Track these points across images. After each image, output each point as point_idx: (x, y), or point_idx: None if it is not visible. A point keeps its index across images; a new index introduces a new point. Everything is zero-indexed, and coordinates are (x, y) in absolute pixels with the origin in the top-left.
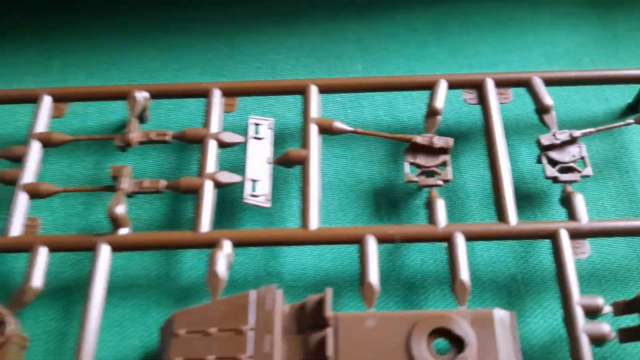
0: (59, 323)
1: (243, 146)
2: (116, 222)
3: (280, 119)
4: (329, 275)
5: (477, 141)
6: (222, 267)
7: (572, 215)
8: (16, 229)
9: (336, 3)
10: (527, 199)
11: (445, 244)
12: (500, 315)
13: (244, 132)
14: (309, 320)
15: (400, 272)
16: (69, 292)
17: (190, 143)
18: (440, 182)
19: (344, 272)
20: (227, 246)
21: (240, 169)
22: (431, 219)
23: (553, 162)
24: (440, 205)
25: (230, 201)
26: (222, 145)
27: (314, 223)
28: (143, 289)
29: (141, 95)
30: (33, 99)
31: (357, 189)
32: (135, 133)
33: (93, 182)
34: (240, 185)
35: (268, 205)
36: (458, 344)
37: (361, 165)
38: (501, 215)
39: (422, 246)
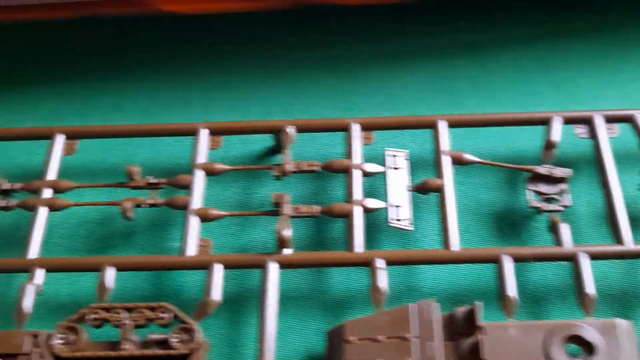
0: (227, 330)
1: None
2: (283, 243)
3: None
4: (462, 290)
5: (586, 168)
6: (383, 282)
7: None
8: (191, 249)
9: (448, 43)
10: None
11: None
12: (622, 324)
13: (375, 161)
14: (459, 328)
15: (525, 286)
16: (233, 304)
17: (336, 173)
18: (561, 208)
19: (475, 287)
20: (380, 264)
21: (370, 194)
22: (558, 241)
23: None
24: (565, 229)
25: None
26: (365, 174)
27: (454, 244)
28: (298, 301)
29: (292, 130)
30: (192, 132)
31: (480, 212)
32: (290, 164)
33: (243, 207)
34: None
35: (411, 228)
36: (588, 349)
37: (482, 191)
38: (617, 238)
39: (544, 264)
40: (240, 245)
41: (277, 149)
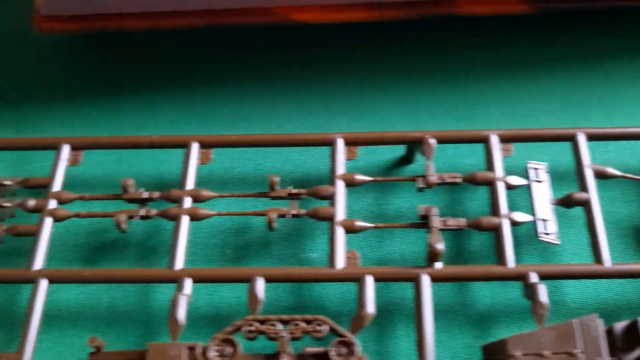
0: (376, 344)
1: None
2: (435, 257)
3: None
4: (606, 304)
5: None
6: (544, 297)
7: None
8: (340, 261)
9: (572, 53)
10: None
11: None
12: None
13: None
14: (619, 344)
15: None
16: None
17: (479, 185)
18: None
19: (619, 301)
20: (534, 279)
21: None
22: None
23: None
24: None
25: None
26: (508, 187)
27: (606, 259)
28: (444, 315)
29: (434, 141)
30: (328, 143)
31: (619, 227)
32: (434, 176)
33: (376, 219)
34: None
35: (558, 242)
36: None
37: (619, 205)
38: None
39: None
40: (378, 258)
41: (407, 159)
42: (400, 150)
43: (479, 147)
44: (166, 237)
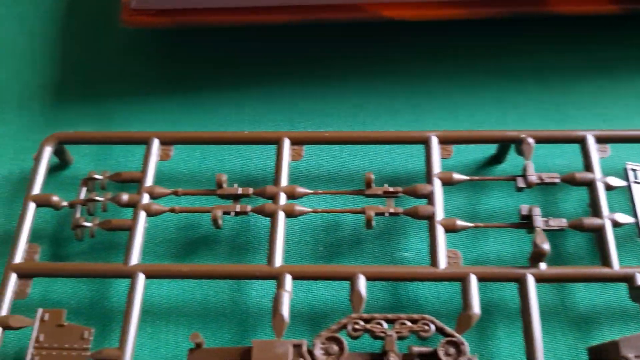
0: (474, 344)
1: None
2: (541, 257)
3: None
4: None
5: None
6: None
7: None
8: (442, 261)
9: None
10: None
11: None
12: None
13: None
14: None
15: None
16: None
17: (577, 186)
18: None
19: None
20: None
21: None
22: None
23: None
24: None
25: None
26: (608, 188)
27: None
28: (541, 316)
29: (532, 141)
30: (422, 141)
31: None
32: (533, 175)
33: (469, 219)
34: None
35: None
36: None
37: None
38: None
39: None
40: (474, 258)
41: (498, 159)
42: (489, 149)
43: (570, 148)
44: (256, 234)
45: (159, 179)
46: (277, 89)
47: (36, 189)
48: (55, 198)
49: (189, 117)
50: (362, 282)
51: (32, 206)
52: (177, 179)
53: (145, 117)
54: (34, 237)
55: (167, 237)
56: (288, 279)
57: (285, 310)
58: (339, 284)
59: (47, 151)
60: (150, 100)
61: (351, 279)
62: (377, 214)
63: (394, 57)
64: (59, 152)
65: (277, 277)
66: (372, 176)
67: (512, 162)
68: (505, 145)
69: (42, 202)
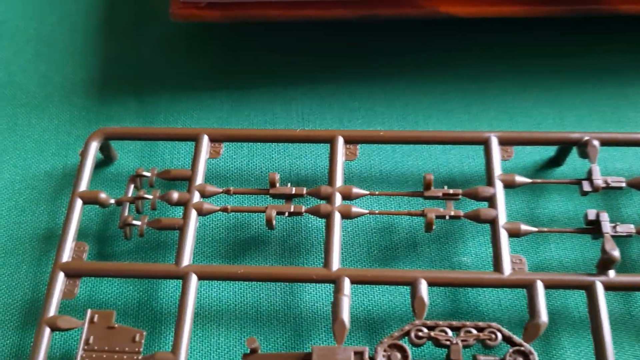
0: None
1: None
2: (611, 264)
3: None
4: None
5: None
6: None
7: None
8: (507, 266)
9: None
10: None
11: None
12: None
13: None
14: None
15: None
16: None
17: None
18: None
19: None
20: None
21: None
22: None
23: None
24: None
25: None
26: None
27: None
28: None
29: (597, 143)
30: (482, 142)
31: None
32: (599, 179)
33: (528, 223)
34: None
35: None
36: None
37: None
38: None
39: None
40: (535, 264)
41: (557, 162)
42: (546, 152)
43: (631, 151)
44: (307, 235)
45: (206, 177)
46: (326, 86)
47: (83, 186)
48: (103, 195)
49: (235, 114)
50: (424, 288)
51: (79, 203)
52: (224, 177)
53: (190, 113)
54: (78, 235)
55: (215, 237)
56: (346, 282)
57: (346, 316)
58: (395, 289)
59: (94, 147)
60: (195, 96)
61: (412, 284)
62: (438, 217)
63: (447, 56)
64: (104, 148)
65: (336, 281)
66: (432, 178)
67: (570, 165)
68: (566, 147)
69: (90, 199)
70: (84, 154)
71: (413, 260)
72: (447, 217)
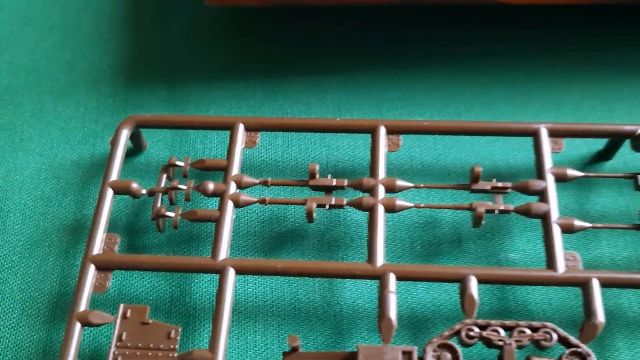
0: None
1: None
2: None
3: None
4: None
5: None
6: None
7: None
8: (561, 264)
9: None
10: None
11: None
12: None
13: None
14: None
15: None
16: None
17: None
18: None
19: None
20: None
21: None
22: None
23: None
24: None
25: None
26: None
27: None
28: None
29: None
30: (532, 133)
31: None
32: None
33: (580, 218)
34: None
35: None
36: None
37: None
38: None
39: None
40: (586, 261)
41: (606, 155)
42: (595, 145)
43: None
44: (346, 229)
45: (240, 168)
46: (364, 75)
47: (114, 176)
48: (134, 185)
49: (269, 103)
50: (474, 285)
51: (110, 193)
52: (259, 168)
53: (223, 102)
54: (108, 227)
55: (250, 230)
56: (392, 279)
57: (393, 314)
58: (439, 286)
59: (124, 135)
60: (228, 84)
61: (462, 281)
62: (487, 211)
63: (490, 44)
64: (134, 137)
65: (381, 277)
66: (481, 170)
67: (619, 158)
68: (617, 140)
69: (121, 190)
70: (114, 142)
71: (457, 256)
72: (497, 212)
